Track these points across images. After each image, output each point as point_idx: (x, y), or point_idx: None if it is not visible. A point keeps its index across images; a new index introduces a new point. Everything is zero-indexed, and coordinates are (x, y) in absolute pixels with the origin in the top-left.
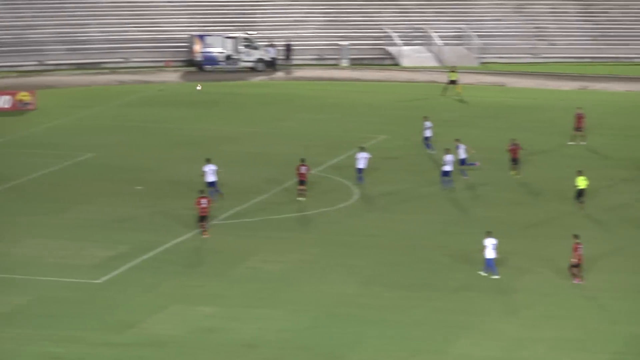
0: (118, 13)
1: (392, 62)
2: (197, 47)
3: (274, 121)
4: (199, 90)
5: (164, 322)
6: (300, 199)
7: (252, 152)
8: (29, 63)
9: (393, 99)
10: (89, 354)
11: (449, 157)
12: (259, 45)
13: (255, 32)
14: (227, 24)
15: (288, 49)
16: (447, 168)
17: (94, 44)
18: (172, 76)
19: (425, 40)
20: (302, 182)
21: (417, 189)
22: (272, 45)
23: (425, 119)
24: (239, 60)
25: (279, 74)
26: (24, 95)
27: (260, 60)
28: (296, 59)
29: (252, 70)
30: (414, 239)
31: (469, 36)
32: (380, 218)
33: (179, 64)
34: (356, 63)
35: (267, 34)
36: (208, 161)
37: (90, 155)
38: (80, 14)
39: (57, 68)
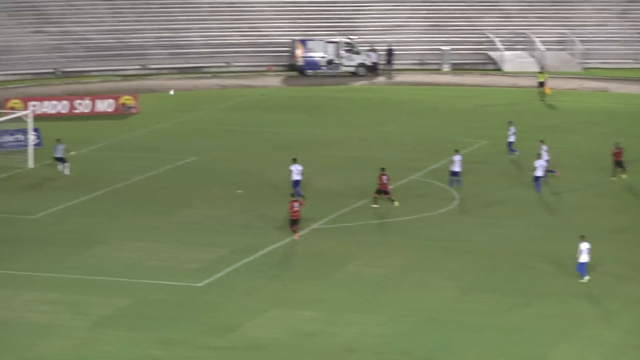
0: (220, 17)
1: (494, 67)
2: (299, 52)
3: (375, 126)
4: (172, 95)
5: (264, 325)
6: (374, 205)
7: (353, 157)
8: (132, 67)
9: (495, 104)
10: (190, 357)
11: (540, 162)
12: (361, 49)
13: (356, 37)
14: (328, 29)
15: (389, 53)
16: (539, 173)
17: (195, 49)
18: (273, 81)
19: (527, 45)
20: (382, 192)
21: (514, 193)
22: (373, 50)
23: (510, 124)
24: (340, 64)
25: (380, 79)
26: (127, 99)
27: (361, 65)
28: (397, 63)
29: (354, 74)
30: (513, 244)
31: (571, 41)
32: (479, 223)
33: (281, 68)
34: (458, 68)
35: (368, 38)
36: (294, 161)
37: (192, 159)
38: (182, 19)
39: (159, 72)
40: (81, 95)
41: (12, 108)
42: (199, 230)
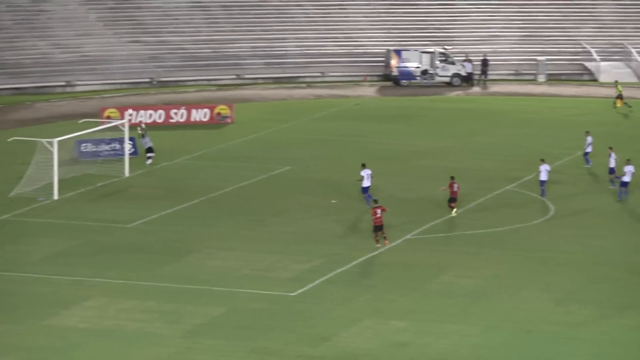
0: (315, 28)
1: (590, 77)
2: (394, 62)
3: (469, 136)
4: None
5: (357, 335)
6: (452, 214)
7: (447, 167)
8: (227, 77)
9: (590, 115)
10: None
11: (628, 168)
12: (456, 60)
13: (451, 47)
14: (423, 39)
15: (484, 63)
16: (626, 179)
17: (291, 59)
18: (368, 91)
19: (624, 55)
20: (453, 199)
21: (607, 204)
22: (468, 60)
23: (587, 134)
24: (435, 75)
25: (475, 89)
26: (222, 109)
27: (456, 75)
28: (492, 74)
29: (448, 85)
30: (607, 255)
31: None
32: (573, 234)
33: (375, 78)
34: (553, 78)
35: (463, 48)
36: (363, 166)
37: (286, 169)
38: (278, 29)
39: (254, 82)
40: (177, 105)
41: (109, 117)
42: (293, 240)
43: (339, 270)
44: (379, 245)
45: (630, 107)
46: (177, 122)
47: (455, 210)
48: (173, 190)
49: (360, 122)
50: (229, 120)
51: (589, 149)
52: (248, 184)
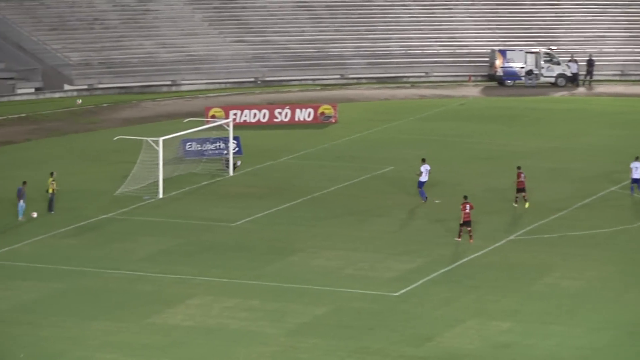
0: (419, 27)
1: None
2: (499, 62)
3: (574, 137)
4: (79, 104)
5: (460, 336)
6: (515, 205)
7: (551, 168)
8: (331, 76)
9: None
10: None
11: None
12: (561, 60)
13: (556, 47)
14: (528, 39)
15: (590, 64)
16: None
17: (394, 58)
18: (472, 91)
19: None
20: (520, 190)
21: None
22: (573, 61)
23: (638, 159)
24: (540, 75)
25: (580, 90)
26: (326, 109)
27: (561, 75)
28: (598, 74)
29: (553, 85)
30: None
31: None
32: None
33: (480, 78)
34: None
35: (568, 49)
36: (423, 161)
37: (390, 168)
38: (382, 28)
39: (358, 82)
40: (281, 104)
41: (213, 116)
42: (395, 240)
43: (441, 271)
44: (458, 239)
45: None
46: (281, 121)
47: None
48: (277, 190)
49: (464, 123)
50: (332, 120)
51: (635, 175)
52: (351, 183)
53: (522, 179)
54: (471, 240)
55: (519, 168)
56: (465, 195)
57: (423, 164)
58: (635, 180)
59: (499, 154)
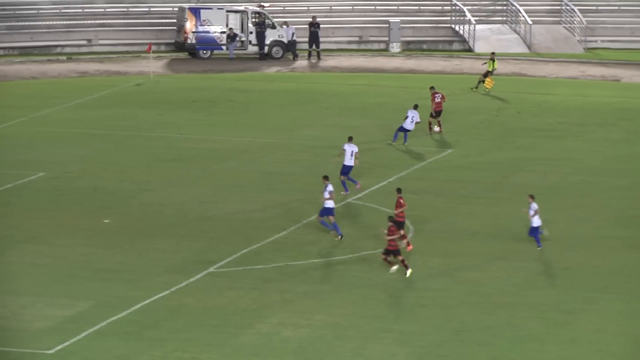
0: None
1: (462, 46)
2: (190, 25)
3: (295, 129)
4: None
5: None
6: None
7: (266, 172)
8: None
9: (462, 99)
10: None
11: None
12: (276, 22)
13: (268, 4)
14: None
15: (314, 27)
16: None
17: (43, 20)
18: (153, 65)
19: (508, 16)
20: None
21: None
22: (285, 24)
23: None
24: (247, 42)
25: (302, 63)
26: None
27: (277, 43)
28: (326, 42)
29: (265, 57)
30: None
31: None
32: None
33: (164, 48)
34: (412, 48)
35: (285, 6)
36: (350, 139)
37: (39, 175)
38: None
39: None
40: None
41: None
42: (47, 275)
43: (113, 318)
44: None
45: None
46: None
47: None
48: None
49: (143, 110)
50: None
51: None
52: None
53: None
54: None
55: (399, 191)
56: (399, 188)
57: (348, 142)
58: (404, 130)
59: (192, 154)
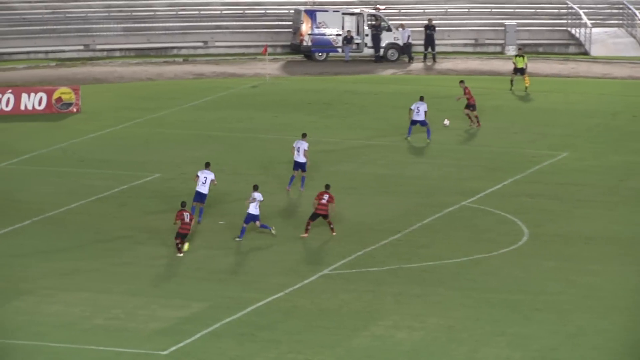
0: None
1: (577, 50)
2: (306, 28)
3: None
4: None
5: None
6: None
7: (381, 175)
8: (71, 47)
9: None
10: None
11: None
12: (392, 25)
13: (384, 7)
14: None
15: (430, 30)
16: None
17: (160, 22)
18: (269, 67)
19: (624, 19)
20: (321, 217)
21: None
22: (402, 27)
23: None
24: (363, 45)
25: (417, 66)
26: (64, 93)
27: (392, 45)
28: (442, 44)
29: (380, 59)
30: None
31: None
32: None
33: (280, 50)
34: (530, 50)
35: (401, 9)
36: (303, 136)
37: (155, 177)
38: None
39: (109, 55)
40: (1, 87)
41: None
42: (163, 276)
43: (227, 320)
44: (305, 235)
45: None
46: (1, 111)
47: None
48: None
49: (259, 112)
50: (73, 109)
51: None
52: (100, 198)
53: (324, 200)
54: (333, 233)
55: (327, 187)
56: (328, 184)
57: (300, 139)
58: (415, 122)
59: (310, 155)
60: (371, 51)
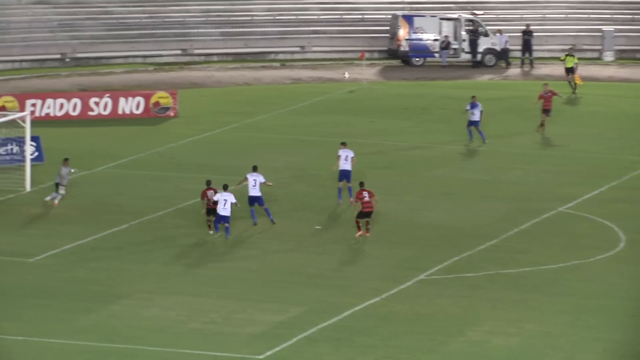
0: None
1: None
2: (403, 33)
3: (507, 137)
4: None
5: None
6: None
7: (477, 180)
8: (169, 52)
9: None
10: None
11: None
12: (489, 30)
13: (482, 12)
14: (443, 1)
15: (527, 35)
16: None
17: (258, 27)
18: (366, 72)
19: None
20: (365, 215)
21: None
22: (499, 32)
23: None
24: (460, 50)
25: (515, 71)
26: (162, 97)
27: (490, 51)
28: (539, 50)
29: (478, 64)
30: None
31: None
32: None
33: (377, 55)
34: (625, 57)
35: (498, 15)
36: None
37: None
38: None
39: (207, 60)
40: (98, 92)
41: (3, 108)
42: (260, 280)
43: (323, 324)
44: (359, 235)
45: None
46: (99, 115)
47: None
48: (92, 211)
49: (356, 117)
50: (171, 113)
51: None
52: (199, 201)
53: (366, 198)
54: (368, 234)
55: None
56: (362, 182)
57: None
58: (472, 123)
59: (404, 161)
60: (468, 56)
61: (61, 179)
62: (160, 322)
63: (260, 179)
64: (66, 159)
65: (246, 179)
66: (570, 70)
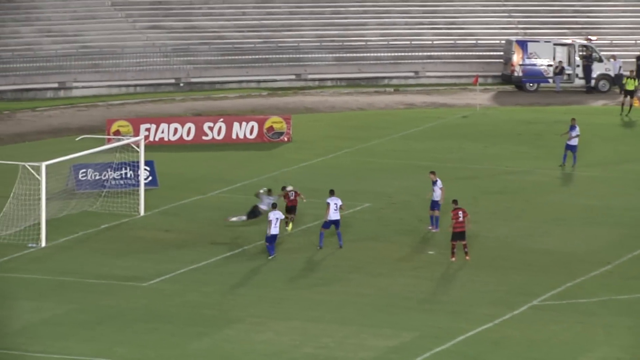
0: (406, 10)
1: None
2: (517, 58)
3: (620, 163)
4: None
5: None
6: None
7: (588, 205)
8: (283, 77)
9: None
10: None
11: None
12: (603, 55)
13: (596, 38)
14: (557, 26)
15: None
16: None
17: (371, 52)
18: (480, 98)
19: None
20: (458, 236)
21: None
22: (613, 57)
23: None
24: (574, 76)
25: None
26: (275, 122)
27: (603, 76)
28: None
29: (592, 90)
30: None
31: None
32: None
33: (491, 80)
34: None
35: (612, 40)
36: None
37: (365, 206)
38: (354, 11)
39: (320, 85)
40: (212, 116)
41: (117, 132)
42: (372, 305)
43: (437, 349)
44: (453, 259)
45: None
46: (213, 139)
47: (458, 253)
48: (205, 236)
49: (469, 142)
50: (284, 138)
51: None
52: (312, 226)
53: (460, 218)
54: (467, 257)
55: (455, 202)
56: (455, 199)
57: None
58: (569, 147)
59: (517, 187)
60: (582, 82)
61: (262, 206)
62: (274, 347)
63: (339, 202)
64: (270, 190)
65: (328, 204)
66: (629, 93)
